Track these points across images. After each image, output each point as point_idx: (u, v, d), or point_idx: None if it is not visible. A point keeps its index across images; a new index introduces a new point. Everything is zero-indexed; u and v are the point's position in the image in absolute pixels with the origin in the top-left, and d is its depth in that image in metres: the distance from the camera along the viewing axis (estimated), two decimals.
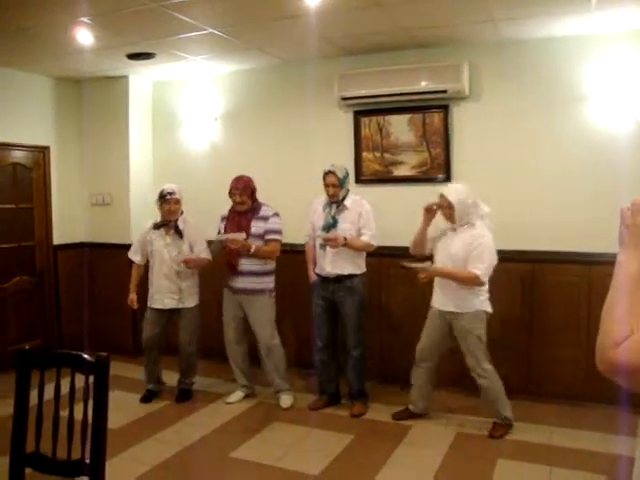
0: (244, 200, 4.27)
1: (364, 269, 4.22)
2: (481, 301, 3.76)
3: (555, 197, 4.33)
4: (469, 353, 3.78)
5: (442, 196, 3.78)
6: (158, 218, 4.45)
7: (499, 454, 3.54)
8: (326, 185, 4.14)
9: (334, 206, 4.17)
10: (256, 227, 4.27)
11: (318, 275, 4.26)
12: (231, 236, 4.17)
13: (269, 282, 4.36)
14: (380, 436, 3.88)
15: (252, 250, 4.18)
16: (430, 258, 3.91)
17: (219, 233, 4.38)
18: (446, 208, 3.76)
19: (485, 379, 3.77)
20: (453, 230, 3.81)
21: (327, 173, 4.13)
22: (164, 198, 4.32)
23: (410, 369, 4.06)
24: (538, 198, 4.38)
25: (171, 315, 4.47)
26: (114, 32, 4.13)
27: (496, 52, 4.43)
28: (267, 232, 4.27)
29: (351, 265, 4.14)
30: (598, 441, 3.65)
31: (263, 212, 4.32)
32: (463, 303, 3.74)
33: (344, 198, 4.17)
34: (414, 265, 3.80)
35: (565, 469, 3.33)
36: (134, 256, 4.56)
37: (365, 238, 4.09)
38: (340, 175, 4.11)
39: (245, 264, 4.26)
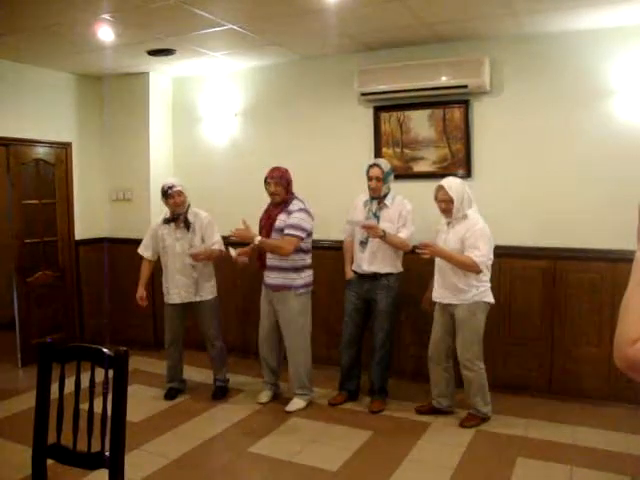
0: (278, 191, 4.10)
1: (401, 269, 4.21)
2: (480, 292, 3.79)
3: (577, 193, 4.26)
4: (463, 344, 3.81)
5: (442, 189, 3.79)
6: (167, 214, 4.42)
7: (518, 453, 3.50)
8: (369, 178, 4.11)
9: (375, 202, 4.16)
10: (280, 220, 4.09)
11: (355, 272, 4.25)
12: (235, 232, 4.06)
13: (296, 278, 4.13)
14: (399, 432, 3.87)
15: (255, 241, 4.00)
16: None
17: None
18: (445, 202, 3.79)
19: (470, 372, 3.81)
20: (449, 225, 3.86)
21: (371, 166, 4.12)
22: (167, 193, 4.30)
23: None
24: (560, 194, 4.31)
25: (190, 309, 4.46)
26: (135, 29, 4.16)
27: (518, 46, 4.37)
28: (286, 227, 4.06)
29: (389, 264, 4.13)
30: (621, 441, 3.59)
31: (291, 206, 4.11)
32: (461, 294, 3.78)
33: (385, 195, 4.15)
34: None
35: (586, 469, 3.28)
36: (145, 251, 4.52)
37: (402, 235, 4.07)
38: (384, 169, 4.10)
39: (271, 259, 4.16)
